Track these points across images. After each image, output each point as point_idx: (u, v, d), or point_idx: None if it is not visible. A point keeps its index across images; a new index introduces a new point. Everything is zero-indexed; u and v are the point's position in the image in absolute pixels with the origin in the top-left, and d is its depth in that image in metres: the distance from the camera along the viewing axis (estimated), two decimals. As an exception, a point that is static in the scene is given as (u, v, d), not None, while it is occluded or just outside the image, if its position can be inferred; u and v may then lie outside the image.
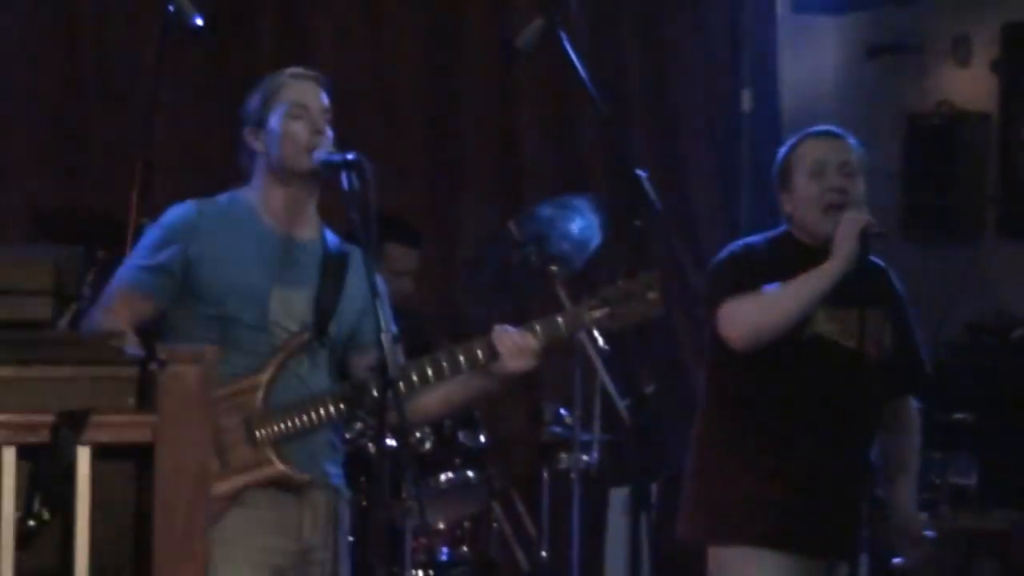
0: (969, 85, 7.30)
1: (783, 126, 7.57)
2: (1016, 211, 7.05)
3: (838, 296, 4.50)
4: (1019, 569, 6.49)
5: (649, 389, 6.37)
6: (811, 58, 7.82)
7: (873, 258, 4.66)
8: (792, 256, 4.57)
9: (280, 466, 4.10)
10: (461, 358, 4.23)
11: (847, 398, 4.53)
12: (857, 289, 4.50)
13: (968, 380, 6.41)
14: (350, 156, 4.10)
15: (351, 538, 4.54)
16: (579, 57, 4.81)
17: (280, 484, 4.12)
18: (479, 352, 4.20)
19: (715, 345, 4.61)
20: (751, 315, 4.49)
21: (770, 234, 4.74)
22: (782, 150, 4.72)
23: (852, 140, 4.69)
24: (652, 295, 4.30)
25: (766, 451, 4.56)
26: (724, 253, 4.70)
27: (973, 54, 7.28)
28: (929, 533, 4.81)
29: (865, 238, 4.45)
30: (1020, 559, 6.51)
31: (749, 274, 4.55)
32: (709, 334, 4.63)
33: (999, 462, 6.39)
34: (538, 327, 4.25)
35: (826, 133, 4.70)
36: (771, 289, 4.49)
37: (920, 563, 4.79)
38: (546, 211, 5.35)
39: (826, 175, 4.57)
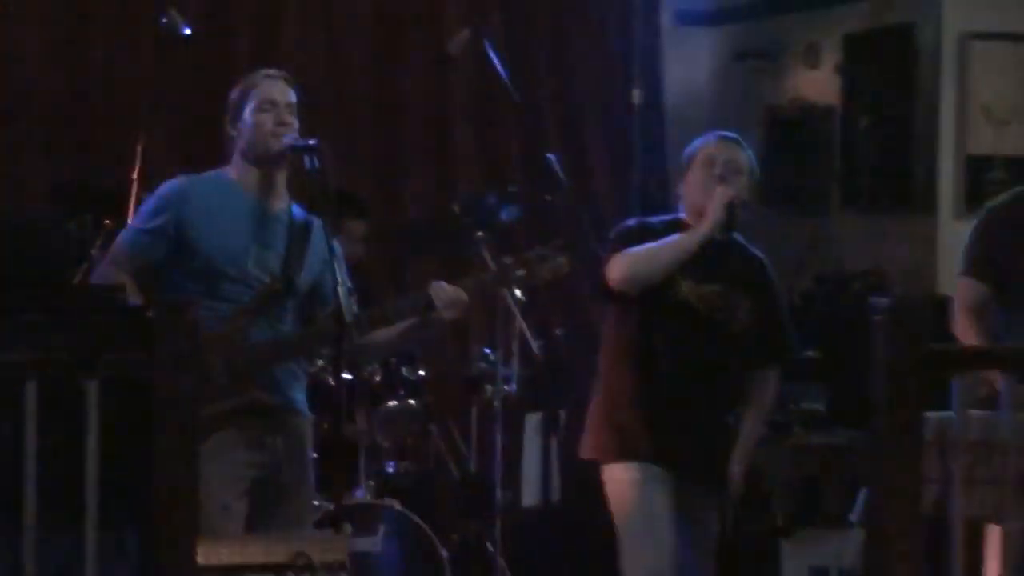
0: (817, 84, 7.34)
1: (666, 118, 7.60)
2: (855, 187, 7.10)
3: (705, 272, 4.54)
4: (858, 477, 6.58)
5: (558, 332, 6.41)
6: (689, 62, 7.83)
7: (752, 249, 4.72)
8: (678, 231, 4.60)
9: (255, 393, 4.11)
10: (404, 307, 4.25)
11: (707, 356, 4.56)
12: (724, 269, 4.57)
13: (816, 323, 6.46)
14: (312, 142, 4.11)
15: (314, 454, 4.55)
16: (498, 59, 4.80)
17: (255, 408, 4.13)
18: (419, 303, 4.21)
19: (608, 298, 4.64)
20: (628, 263, 4.51)
21: (665, 216, 4.76)
22: (688, 147, 4.73)
23: (744, 145, 4.72)
24: (561, 258, 4.32)
25: (645, 390, 4.58)
26: (624, 224, 4.72)
27: (821, 59, 7.31)
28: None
29: (731, 208, 4.51)
30: (860, 468, 6.60)
31: (638, 239, 4.57)
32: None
33: (842, 390, 6.46)
34: (468, 283, 4.26)
35: (723, 137, 4.71)
36: (649, 245, 4.53)
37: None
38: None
39: (713, 167, 4.60)
